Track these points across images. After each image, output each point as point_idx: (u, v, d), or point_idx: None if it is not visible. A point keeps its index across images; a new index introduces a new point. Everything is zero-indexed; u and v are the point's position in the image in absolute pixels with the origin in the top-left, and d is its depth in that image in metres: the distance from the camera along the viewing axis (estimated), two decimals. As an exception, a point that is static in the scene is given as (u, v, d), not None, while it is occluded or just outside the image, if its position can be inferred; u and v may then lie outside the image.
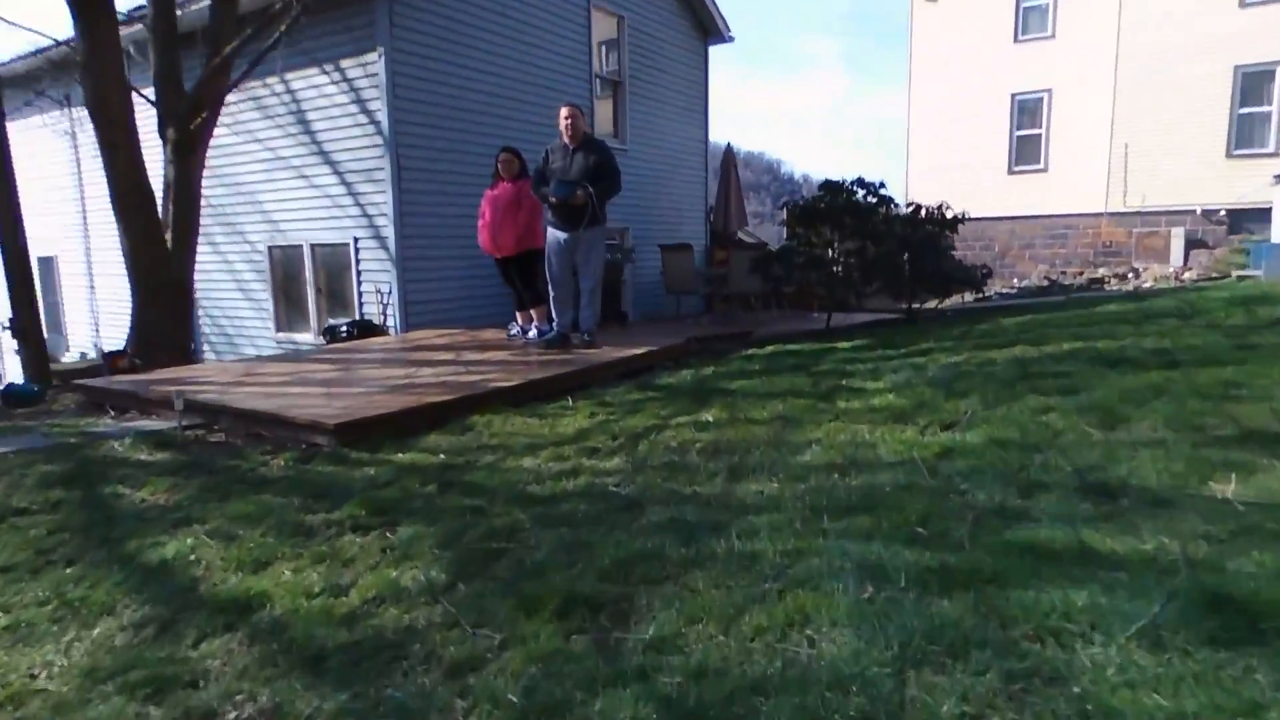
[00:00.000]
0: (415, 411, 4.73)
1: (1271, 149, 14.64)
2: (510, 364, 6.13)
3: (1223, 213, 15.06)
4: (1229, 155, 15.00)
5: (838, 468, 3.25)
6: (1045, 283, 14.09)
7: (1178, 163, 15.30)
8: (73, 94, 9.88)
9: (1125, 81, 15.70)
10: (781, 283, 9.47)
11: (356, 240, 8.44)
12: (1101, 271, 14.32)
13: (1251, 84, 14.73)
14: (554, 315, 6.80)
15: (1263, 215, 14.60)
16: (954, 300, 11.65)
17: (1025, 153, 16.85)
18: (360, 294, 8.52)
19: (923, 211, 9.56)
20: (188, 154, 7.18)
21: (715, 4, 12.32)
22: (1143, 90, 15.55)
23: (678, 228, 12.18)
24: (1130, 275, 13.56)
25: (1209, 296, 8.19)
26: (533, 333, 7.15)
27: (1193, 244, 15.15)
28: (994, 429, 3.41)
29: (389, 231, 8.11)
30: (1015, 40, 16.84)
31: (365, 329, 8.17)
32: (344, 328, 8.17)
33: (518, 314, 7.38)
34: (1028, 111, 16.85)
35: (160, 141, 7.34)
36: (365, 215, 8.33)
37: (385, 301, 8.30)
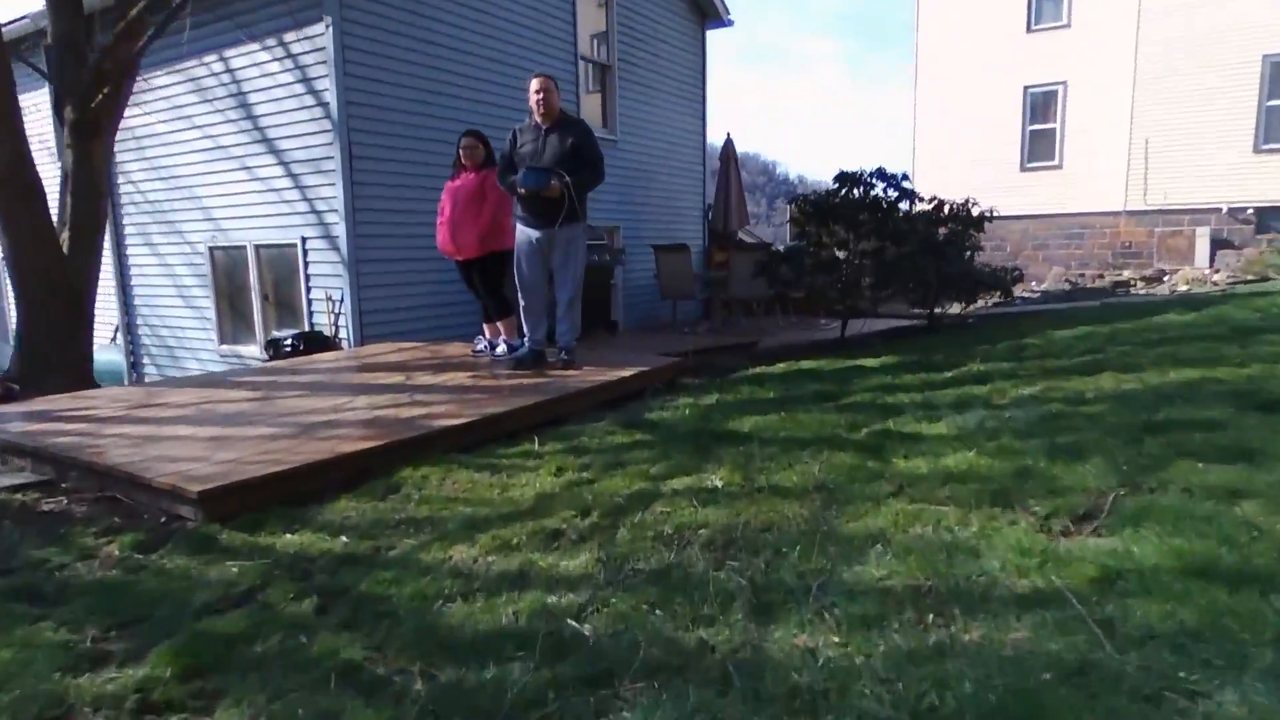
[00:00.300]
0: (324, 466, 3.45)
1: (1305, 143, 13.42)
2: (468, 391, 4.84)
3: (1250, 211, 13.82)
4: (1257, 150, 13.75)
5: (929, 598, 1.97)
6: (1067, 285, 12.82)
7: (1202, 158, 14.06)
8: None
9: (1146, 73, 14.45)
10: (790, 287, 8.21)
11: (304, 240, 7.13)
12: (1127, 274, 13.06)
13: (1281, 74, 13.49)
14: (524, 329, 5.52)
15: (1296, 213, 13.40)
16: (974, 305, 10.42)
17: (1039, 149, 15.57)
18: (310, 302, 7.22)
19: (946, 208, 8.32)
20: (90, 136, 5.86)
21: (713, -16, 11.03)
22: (1164, 82, 14.30)
23: (673, 227, 10.89)
24: (1164, 277, 12.30)
25: (1283, 304, 6.93)
26: (501, 349, 5.87)
27: (1218, 244, 13.91)
28: (1169, 530, 2.12)
29: (340, 230, 6.81)
30: (1028, 30, 15.56)
31: (313, 342, 6.87)
32: (288, 341, 6.87)
33: (484, 327, 6.09)
34: (1041, 105, 15.57)
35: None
36: (314, 211, 7.03)
37: (337, 310, 7.00)
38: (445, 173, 6.09)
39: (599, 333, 8.57)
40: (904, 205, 7.99)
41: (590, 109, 9.43)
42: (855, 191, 7.85)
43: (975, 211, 8.37)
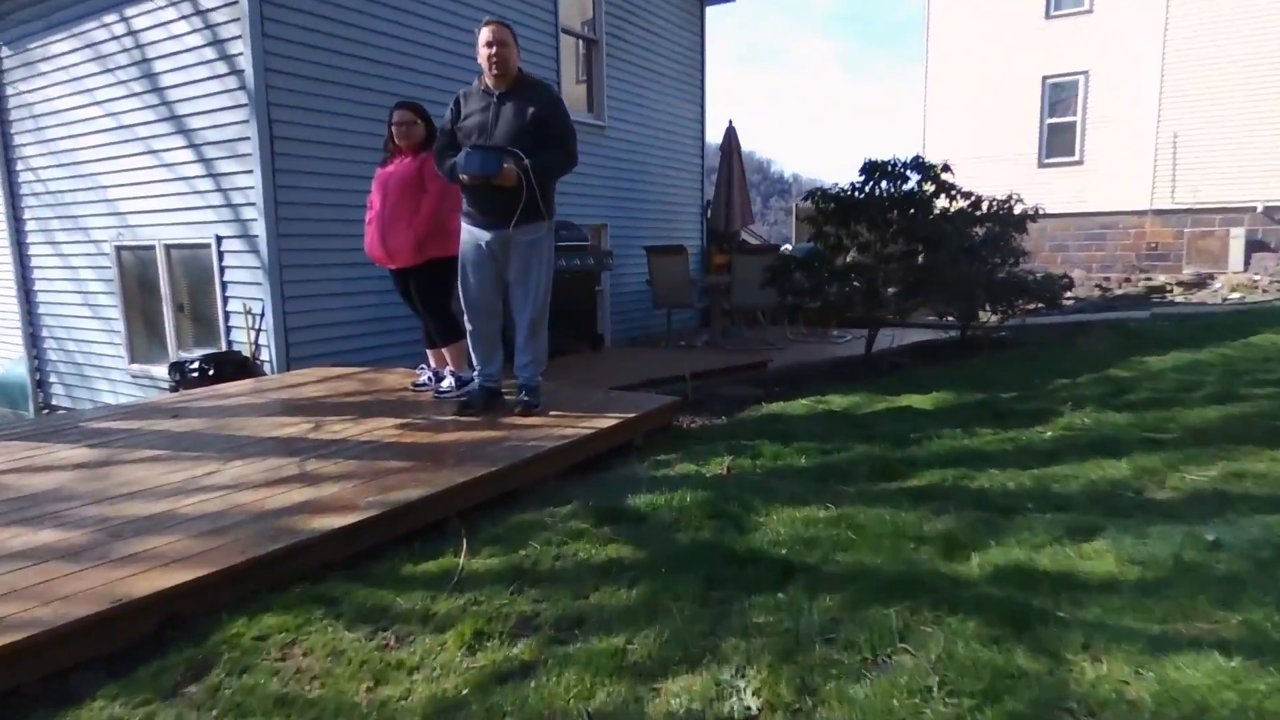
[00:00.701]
0: (96, 626, 2.00)
1: (1352, 137, 12.03)
2: (385, 452, 3.38)
3: (1288, 210, 12.43)
4: (1296, 145, 12.34)
5: None
6: (1097, 291, 11.40)
7: (1235, 153, 12.66)
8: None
9: (1174, 62, 13.03)
10: (805, 296, 6.77)
11: (219, 240, 5.66)
12: (1162, 278, 11.65)
13: (1324, 63, 12.07)
14: (473, 360, 4.07)
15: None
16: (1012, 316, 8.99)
17: (1058, 143, 14.13)
18: (228, 315, 5.75)
19: (985, 205, 6.90)
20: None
21: (714, -46, 9.55)
22: (1195, 72, 12.87)
23: (668, 225, 9.43)
24: (1208, 282, 10.87)
25: None
26: (448, 381, 4.41)
27: (1253, 245, 12.52)
28: None
29: (259, 228, 5.34)
30: (1047, 16, 14.10)
31: (227, 366, 5.41)
32: (195, 365, 5.41)
33: (428, 353, 4.63)
34: (1061, 97, 14.12)
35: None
36: (229, 204, 5.56)
37: (257, 327, 5.53)
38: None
39: (582, 349, 7.13)
40: (939, 202, 6.59)
41: (574, 90, 7.94)
42: (882, 186, 6.44)
43: (1018, 210, 6.98)
